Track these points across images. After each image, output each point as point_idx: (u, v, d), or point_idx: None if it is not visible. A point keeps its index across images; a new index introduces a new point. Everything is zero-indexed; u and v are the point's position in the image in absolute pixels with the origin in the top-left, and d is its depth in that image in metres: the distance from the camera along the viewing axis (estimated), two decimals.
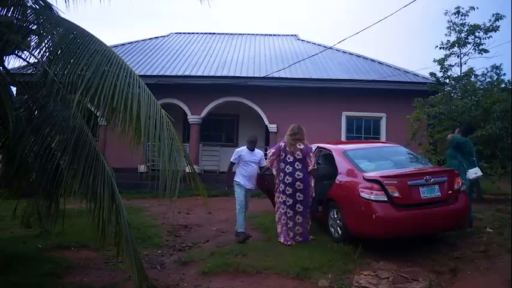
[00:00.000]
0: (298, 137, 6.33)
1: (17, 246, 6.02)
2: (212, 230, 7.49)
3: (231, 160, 6.85)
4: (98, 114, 4.09)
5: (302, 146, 6.28)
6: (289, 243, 6.14)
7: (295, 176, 6.21)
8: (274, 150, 6.57)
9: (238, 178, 6.71)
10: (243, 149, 6.88)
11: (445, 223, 5.72)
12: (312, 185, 6.36)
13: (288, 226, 6.28)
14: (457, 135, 6.74)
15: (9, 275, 4.76)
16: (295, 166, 6.25)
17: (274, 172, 6.50)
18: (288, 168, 6.27)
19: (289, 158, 6.32)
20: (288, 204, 6.26)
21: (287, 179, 6.24)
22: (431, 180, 5.54)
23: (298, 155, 6.26)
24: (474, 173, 6.28)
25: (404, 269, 4.96)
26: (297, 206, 6.24)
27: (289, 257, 5.45)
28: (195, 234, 7.29)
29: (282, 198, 6.34)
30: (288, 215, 6.27)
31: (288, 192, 6.25)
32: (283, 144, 6.46)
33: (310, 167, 6.24)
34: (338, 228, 6.11)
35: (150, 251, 6.17)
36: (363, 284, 4.61)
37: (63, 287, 4.70)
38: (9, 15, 4.39)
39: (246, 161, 6.72)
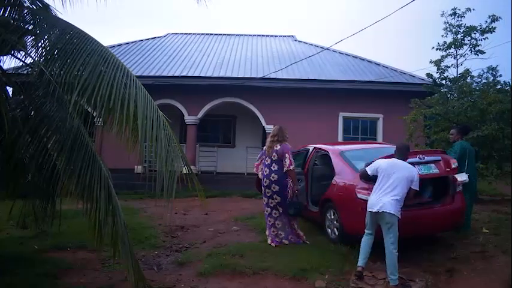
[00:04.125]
0: (278, 138, 6.26)
1: (14, 247, 6.00)
2: (209, 231, 7.48)
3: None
4: (94, 114, 4.08)
5: (278, 147, 6.22)
6: (274, 243, 6.13)
7: (271, 178, 6.17)
8: (259, 155, 6.65)
9: None
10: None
11: (442, 223, 5.74)
12: (289, 186, 6.17)
13: (277, 227, 6.28)
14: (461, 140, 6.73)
15: (5, 276, 4.73)
16: (271, 168, 6.21)
17: (260, 176, 6.44)
18: (265, 171, 6.27)
19: (267, 160, 6.31)
20: (271, 205, 6.26)
21: (265, 181, 6.24)
22: (425, 158, 5.56)
23: (274, 156, 6.22)
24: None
25: (401, 269, 4.95)
26: (277, 207, 6.24)
27: (286, 258, 5.45)
28: (192, 235, 7.27)
29: (264, 201, 6.36)
30: (275, 216, 6.27)
31: (268, 194, 6.25)
32: (265, 147, 6.48)
33: (285, 168, 6.12)
34: (335, 229, 6.12)
35: (146, 252, 6.15)
36: (360, 284, 4.62)
37: (59, 287, 4.69)
38: (6, 15, 4.37)
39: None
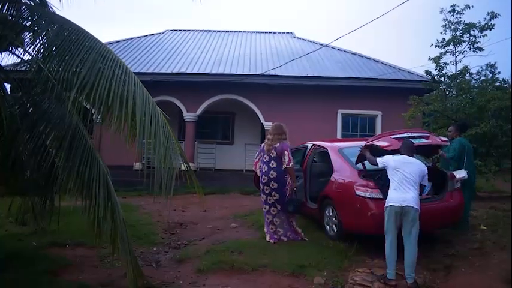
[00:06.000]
0: (284, 137, 6.26)
1: (13, 244, 5.99)
2: (207, 228, 7.49)
3: None
4: (93, 111, 4.08)
5: (277, 145, 6.20)
6: (272, 240, 6.15)
7: (270, 175, 6.17)
8: (257, 152, 6.64)
9: None
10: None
11: (441, 220, 5.75)
12: (288, 183, 6.18)
13: (276, 224, 6.28)
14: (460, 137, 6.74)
15: (5, 273, 4.74)
16: (270, 165, 6.21)
17: (259, 173, 6.44)
18: (264, 168, 6.27)
19: (265, 158, 6.31)
20: (269, 203, 6.27)
21: (263, 178, 6.24)
22: (414, 134, 5.63)
23: (272, 153, 6.22)
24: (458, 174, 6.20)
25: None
26: (276, 204, 6.25)
27: (284, 255, 5.46)
28: (191, 232, 7.29)
29: (263, 198, 6.35)
30: (273, 213, 6.27)
31: (266, 192, 6.24)
32: (263, 144, 6.47)
33: (284, 165, 6.13)
34: (333, 225, 6.13)
35: (145, 249, 6.17)
36: (358, 281, 4.64)
37: (59, 284, 4.69)
38: (3, 11, 4.36)
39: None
